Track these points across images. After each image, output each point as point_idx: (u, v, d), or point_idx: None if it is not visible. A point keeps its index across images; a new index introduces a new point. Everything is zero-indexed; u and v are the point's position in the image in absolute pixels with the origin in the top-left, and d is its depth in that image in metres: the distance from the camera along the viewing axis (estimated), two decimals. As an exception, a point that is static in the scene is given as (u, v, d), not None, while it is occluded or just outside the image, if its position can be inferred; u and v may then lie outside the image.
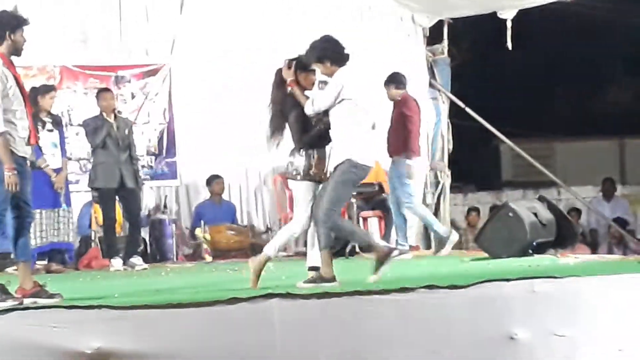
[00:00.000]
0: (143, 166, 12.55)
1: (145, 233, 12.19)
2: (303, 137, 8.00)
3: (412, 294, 6.97)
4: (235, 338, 6.64)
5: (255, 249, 12.35)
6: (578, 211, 15.79)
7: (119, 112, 11.63)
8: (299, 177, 7.98)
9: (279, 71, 8.15)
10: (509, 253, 9.81)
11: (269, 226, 13.07)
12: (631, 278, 7.46)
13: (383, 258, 7.83)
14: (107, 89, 11.86)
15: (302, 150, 7.99)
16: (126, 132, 11.32)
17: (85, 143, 11.70)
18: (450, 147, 13.55)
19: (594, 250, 14.64)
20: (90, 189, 11.59)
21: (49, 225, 10.95)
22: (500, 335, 6.99)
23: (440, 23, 13.53)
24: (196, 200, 13.04)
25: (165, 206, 12.72)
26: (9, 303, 6.90)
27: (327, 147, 8.02)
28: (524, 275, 7.43)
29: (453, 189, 14.25)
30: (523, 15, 12.55)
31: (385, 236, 11.73)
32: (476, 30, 16.44)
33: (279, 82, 8.13)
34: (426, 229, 12.77)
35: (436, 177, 13.57)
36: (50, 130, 11.06)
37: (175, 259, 12.19)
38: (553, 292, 7.16)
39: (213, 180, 12.83)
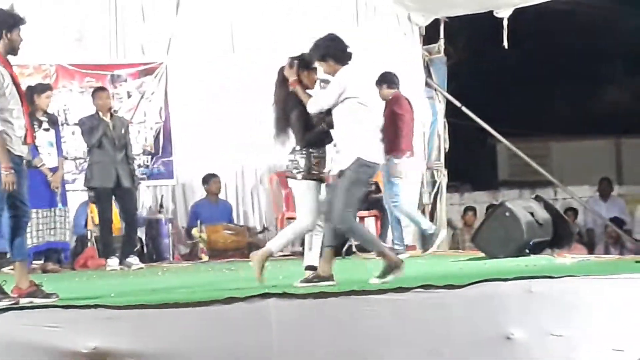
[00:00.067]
0: (139, 165, 12.54)
1: (141, 232, 12.18)
2: (305, 135, 7.99)
3: (408, 294, 6.98)
4: (232, 338, 6.64)
5: (252, 248, 12.36)
6: (574, 211, 15.77)
7: (115, 111, 11.60)
8: (299, 176, 7.97)
9: (282, 70, 8.14)
10: (506, 253, 9.81)
11: (265, 225, 13.06)
12: (628, 278, 7.47)
13: (393, 269, 7.77)
14: (103, 88, 11.84)
15: (303, 149, 7.98)
16: (122, 131, 11.31)
17: (81, 142, 11.69)
18: (447, 146, 13.52)
19: (591, 250, 14.64)
20: (86, 189, 11.58)
21: (45, 225, 10.93)
22: (496, 335, 7.00)
23: (436, 22, 13.51)
24: (192, 200, 13.02)
25: (161, 205, 12.70)
26: (5, 303, 6.89)
27: (328, 147, 8.03)
28: (520, 275, 7.44)
29: (449, 188, 14.22)
30: (519, 14, 12.53)
31: (382, 236, 11.72)
32: (472, 29, 16.47)
33: (282, 81, 8.13)
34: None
35: (433, 176, 13.56)
36: (47, 130, 11.04)
37: (171, 259, 12.17)
38: (549, 292, 7.17)
39: (209, 180, 12.81)
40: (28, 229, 8.13)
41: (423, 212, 13.20)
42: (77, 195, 12.12)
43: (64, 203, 11.19)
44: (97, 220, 11.50)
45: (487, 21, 12.72)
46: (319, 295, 6.90)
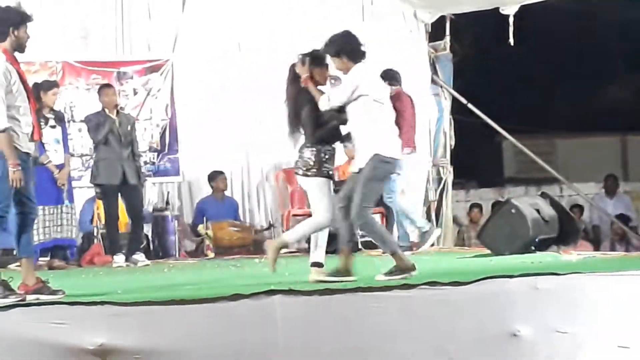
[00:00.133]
0: (145, 162, 12.54)
1: (147, 229, 12.19)
2: (316, 132, 7.98)
3: (414, 291, 6.98)
4: (237, 334, 6.64)
5: (258, 245, 12.39)
6: (580, 208, 15.78)
7: (121, 108, 11.63)
8: (309, 173, 7.96)
9: (293, 67, 8.13)
10: (512, 250, 9.81)
11: (271, 222, 13.06)
12: (634, 275, 7.47)
13: (404, 271, 7.76)
14: (109, 85, 11.85)
15: (313, 145, 7.97)
16: (128, 128, 11.32)
17: (87, 139, 11.71)
18: (453, 143, 13.53)
19: (597, 246, 14.63)
20: (92, 185, 11.59)
21: (51, 222, 10.95)
22: (502, 331, 7.01)
23: (442, 19, 13.52)
24: (198, 197, 13.03)
25: (167, 202, 12.71)
26: (12, 299, 6.91)
27: (337, 144, 8.05)
28: (526, 271, 7.44)
29: (455, 185, 14.23)
30: (525, 11, 12.53)
31: (387, 232, 11.71)
32: (478, 26, 16.44)
33: (293, 78, 8.11)
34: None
35: (438, 173, 13.56)
36: (53, 127, 11.06)
37: (177, 256, 12.17)
38: (555, 289, 7.17)
39: (216, 177, 12.82)
40: (35, 226, 8.15)
41: (429, 209, 13.23)
42: (83, 192, 12.15)
43: (71, 200, 11.21)
44: (103, 217, 11.52)
45: (493, 18, 12.73)
46: (324, 292, 6.90)
